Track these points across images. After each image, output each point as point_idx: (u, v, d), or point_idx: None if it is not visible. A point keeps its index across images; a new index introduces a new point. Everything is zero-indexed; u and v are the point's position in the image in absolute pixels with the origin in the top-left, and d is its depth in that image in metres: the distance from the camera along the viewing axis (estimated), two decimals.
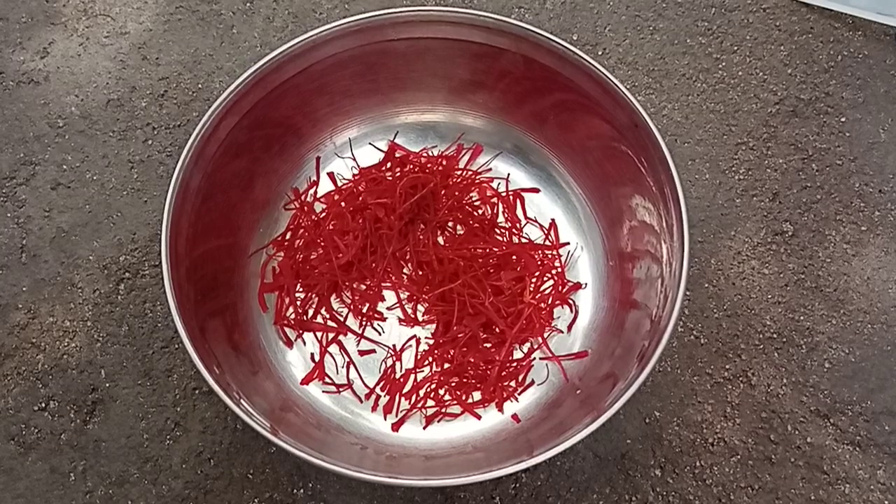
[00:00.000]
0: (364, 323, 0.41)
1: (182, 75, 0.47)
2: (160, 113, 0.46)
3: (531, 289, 0.40)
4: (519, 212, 0.43)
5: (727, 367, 0.40)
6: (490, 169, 0.44)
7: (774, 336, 0.41)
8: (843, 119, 0.45)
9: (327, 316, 0.40)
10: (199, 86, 0.47)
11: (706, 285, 0.42)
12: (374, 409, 0.39)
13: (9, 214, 0.44)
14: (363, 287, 0.41)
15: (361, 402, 0.39)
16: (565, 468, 0.38)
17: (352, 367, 0.39)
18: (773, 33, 0.48)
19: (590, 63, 0.36)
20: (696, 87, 0.47)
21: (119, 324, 0.41)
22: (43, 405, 0.39)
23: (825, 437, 0.39)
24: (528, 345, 0.40)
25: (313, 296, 0.41)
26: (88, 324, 0.41)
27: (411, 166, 0.43)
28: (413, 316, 0.41)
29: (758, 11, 0.49)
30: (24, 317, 0.41)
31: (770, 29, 0.48)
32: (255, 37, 0.48)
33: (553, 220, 0.42)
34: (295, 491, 0.38)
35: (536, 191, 0.43)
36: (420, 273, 0.41)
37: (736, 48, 0.48)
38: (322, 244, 0.41)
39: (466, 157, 0.44)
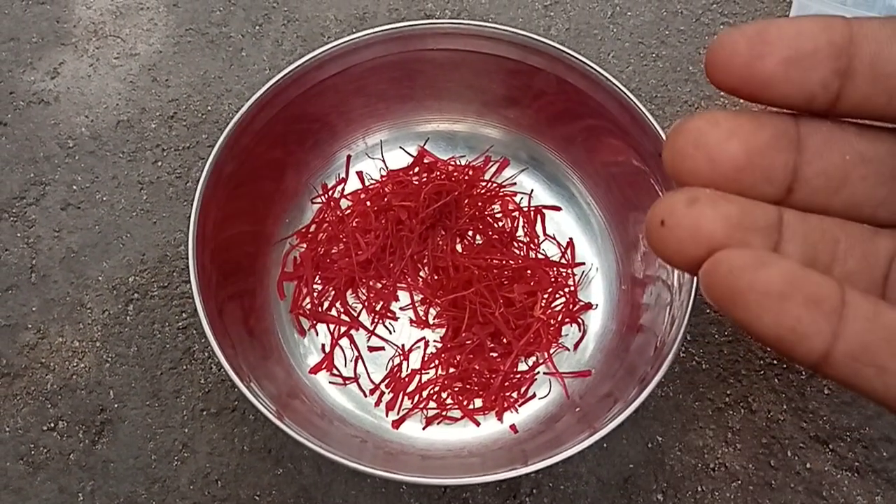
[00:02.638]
0: (376, 320, 0.42)
1: (191, 97, 0.48)
2: (170, 135, 0.47)
3: (542, 304, 0.41)
4: (538, 228, 0.44)
5: (728, 392, 0.41)
6: (514, 183, 0.45)
7: (775, 362, 0.41)
8: None
9: (342, 309, 0.42)
10: (209, 108, 0.48)
11: (708, 311, 0.42)
12: (377, 404, 0.40)
13: (19, 234, 0.44)
14: (379, 285, 0.42)
15: (366, 396, 0.40)
16: (569, 492, 0.38)
17: (360, 361, 0.40)
18: None
19: (621, 90, 0.37)
20: None
21: (128, 344, 0.41)
22: (52, 425, 0.40)
23: (824, 463, 0.39)
24: (533, 358, 0.41)
25: (330, 289, 0.42)
26: (97, 344, 0.41)
27: (438, 173, 0.44)
28: (424, 318, 0.42)
29: None
30: (34, 337, 0.42)
31: None
32: (264, 60, 0.49)
33: (571, 239, 0.43)
34: None
35: (558, 209, 0.44)
36: (435, 278, 0.42)
37: None
38: (344, 240, 0.42)
39: (492, 170, 0.45)
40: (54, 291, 0.43)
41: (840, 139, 0.18)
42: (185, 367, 0.41)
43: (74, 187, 0.45)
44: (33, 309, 0.42)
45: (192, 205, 0.35)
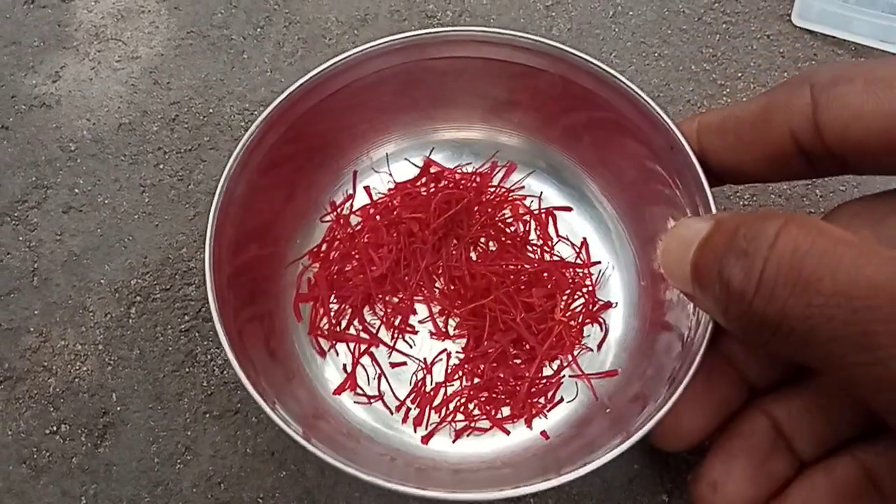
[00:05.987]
0: (396, 335, 0.41)
1: (193, 100, 0.48)
2: (171, 137, 0.47)
3: (562, 306, 0.41)
4: (551, 229, 0.43)
5: None
6: (523, 187, 0.44)
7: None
8: None
9: (360, 327, 0.41)
10: (210, 110, 0.47)
11: None
12: (404, 421, 0.39)
13: (20, 238, 0.44)
14: (396, 300, 0.41)
15: (392, 413, 0.39)
16: (573, 493, 0.38)
17: (383, 378, 0.40)
18: (777, 60, 0.49)
19: (627, 86, 0.36)
20: None
21: (130, 347, 0.41)
22: (54, 428, 0.40)
23: None
24: (557, 362, 0.40)
25: (347, 307, 0.41)
26: (100, 347, 0.41)
27: (446, 182, 0.44)
28: (444, 330, 0.41)
29: (762, 38, 0.49)
30: (36, 340, 0.42)
31: (774, 55, 0.49)
32: (266, 62, 0.49)
33: (585, 238, 0.43)
34: None
35: (569, 209, 0.44)
36: (452, 288, 0.41)
37: (740, 74, 0.48)
38: (357, 257, 0.42)
39: (500, 175, 0.45)
40: (56, 295, 0.43)
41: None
42: (187, 370, 0.41)
43: (76, 190, 0.45)
44: (35, 312, 0.42)
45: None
